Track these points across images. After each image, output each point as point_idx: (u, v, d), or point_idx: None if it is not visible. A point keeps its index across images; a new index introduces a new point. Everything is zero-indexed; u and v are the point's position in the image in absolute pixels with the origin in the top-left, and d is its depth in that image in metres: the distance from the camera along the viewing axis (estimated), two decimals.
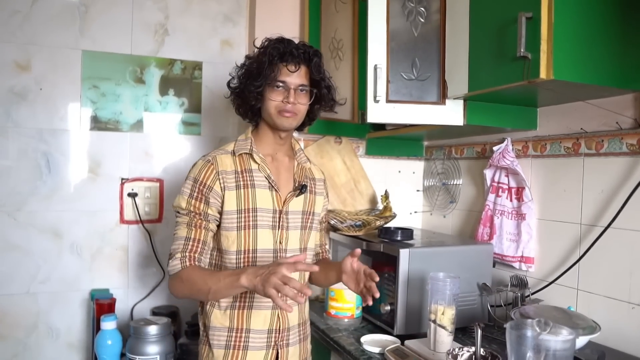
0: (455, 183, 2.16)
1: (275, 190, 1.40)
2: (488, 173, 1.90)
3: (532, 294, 1.68)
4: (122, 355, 1.74)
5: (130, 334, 1.73)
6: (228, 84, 1.45)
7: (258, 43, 1.41)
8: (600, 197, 1.52)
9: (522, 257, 1.75)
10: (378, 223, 1.98)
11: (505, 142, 1.80)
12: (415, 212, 2.39)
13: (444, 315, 1.40)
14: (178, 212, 1.37)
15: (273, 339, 1.39)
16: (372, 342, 1.55)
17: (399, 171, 2.37)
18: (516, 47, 1.25)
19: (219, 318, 1.38)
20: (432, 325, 1.42)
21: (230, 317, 1.37)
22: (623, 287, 1.44)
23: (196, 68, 2.19)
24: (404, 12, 1.66)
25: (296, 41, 1.38)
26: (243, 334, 1.37)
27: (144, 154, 2.11)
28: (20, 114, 1.91)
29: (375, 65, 1.64)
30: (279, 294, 1.08)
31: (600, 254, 1.50)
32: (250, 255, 1.36)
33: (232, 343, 1.36)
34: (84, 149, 2.02)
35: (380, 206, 2.15)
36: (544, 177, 1.73)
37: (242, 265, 1.36)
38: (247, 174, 1.38)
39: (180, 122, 2.17)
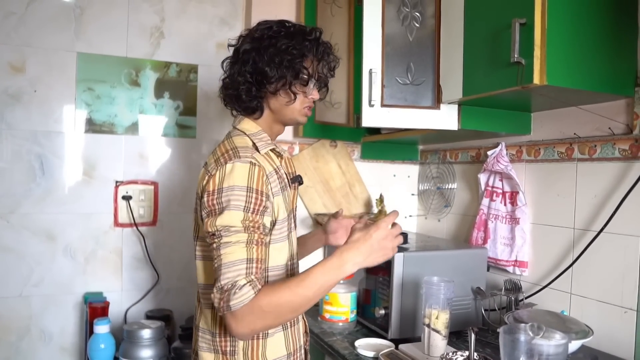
0: (449, 187, 2.17)
1: (290, 186, 1.27)
2: (482, 177, 1.90)
3: (526, 298, 1.69)
4: (116, 359, 1.74)
5: (124, 337, 1.73)
6: (236, 78, 1.21)
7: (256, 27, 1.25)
8: (593, 202, 1.53)
9: (516, 261, 1.76)
10: None
11: (499, 147, 1.81)
12: (410, 216, 2.40)
13: (438, 319, 1.40)
14: (226, 231, 1.06)
15: (304, 346, 1.31)
16: (366, 346, 1.55)
17: (394, 175, 2.37)
18: (510, 52, 1.26)
19: (272, 347, 1.17)
20: (426, 329, 1.42)
21: (286, 339, 1.21)
22: (616, 292, 1.45)
23: (192, 71, 2.19)
24: (399, 17, 1.67)
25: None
26: (298, 354, 1.25)
27: (139, 157, 2.11)
28: (14, 116, 1.91)
29: (371, 70, 1.64)
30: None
31: (594, 259, 1.51)
32: (294, 262, 1.24)
33: None
34: (78, 151, 2.01)
35: (375, 210, 2.16)
36: (537, 182, 1.73)
37: (289, 276, 1.20)
38: (280, 173, 1.21)
39: (176, 124, 2.17)
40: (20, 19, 1.91)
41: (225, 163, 1.10)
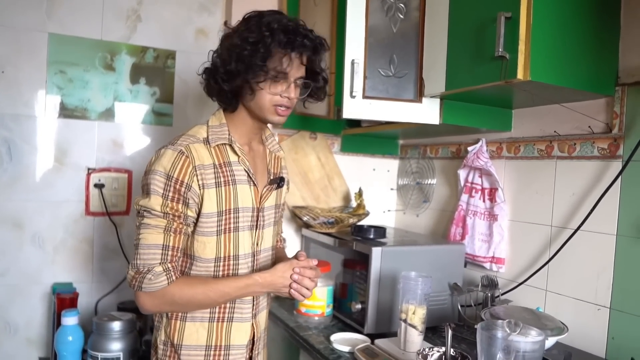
0: (429, 182, 2.17)
1: (255, 185, 1.25)
2: (462, 173, 1.90)
3: (502, 294, 1.69)
4: (84, 351, 1.68)
5: (93, 329, 1.68)
6: (209, 68, 1.22)
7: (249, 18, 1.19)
8: (571, 200, 1.53)
9: (493, 257, 1.76)
10: (351, 221, 1.97)
11: (479, 143, 1.81)
12: (389, 210, 2.39)
13: (415, 314, 1.39)
14: (147, 213, 1.13)
15: (248, 353, 1.28)
16: (342, 340, 1.53)
17: (374, 169, 2.36)
18: (494, 46, 1.25)
19: (193, 334, 1.20)
20: (403, 324, 1.41)
21: (209, 332, 1.21)
22: (590, 289, 1.46)
23: (169, 57, 2.13)
24: (384, 8, 1.64)
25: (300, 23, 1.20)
26: (223, 352, 1.22)
27: (113, 144, 2.04)
28: None
29: (353, 61, 1.61)
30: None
31: (569, 256, 1.52)
32: (231, 262, 1.22)
33: None
34: (49, 136, 1.93)
35: (354, 204, 2.14)
36: (516, 179, 1.74)
37: (220, 274, 1.21)
38: (227, 168, 1.20)
39: (151, 112, 2.11)
40: None
41: (161, 148, 1.17)
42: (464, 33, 1.42)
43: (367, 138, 2.27)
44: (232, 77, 1.16)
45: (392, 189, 2.40)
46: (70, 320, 1.64)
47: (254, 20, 1.16)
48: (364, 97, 1.63)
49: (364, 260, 1.61)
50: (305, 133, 2.18)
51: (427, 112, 1.63)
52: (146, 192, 1.14)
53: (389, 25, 1.64)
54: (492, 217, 1.78)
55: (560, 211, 1.57)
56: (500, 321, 1.11)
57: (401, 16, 1.64)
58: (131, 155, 2.08)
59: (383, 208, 2.37)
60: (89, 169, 2.00)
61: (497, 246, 1.75)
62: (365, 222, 2.04)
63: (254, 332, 1.29)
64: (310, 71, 1.25)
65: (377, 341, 1.50)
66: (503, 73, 1.26)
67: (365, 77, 1.63)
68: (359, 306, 1.62)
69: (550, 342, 1.28)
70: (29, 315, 1.92)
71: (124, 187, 2.06)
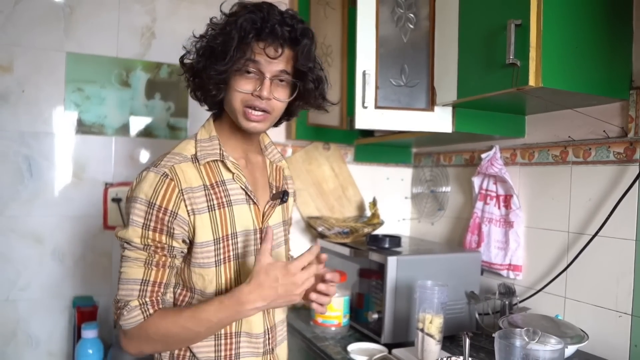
0: (443, 190, 2.16)
1: (254, 202, 1.10)
2: (476, 181, 1.89)
3: (520, 302, 1.68)
4: None
5: (113, 342, 1.69)
6: (182, 59, 1.09)
7: (227, 7, 1.04)
8: (587, 205, 1.52)
9: (510, 265, 1.75)
10: (366, 230, 1.97)
11: (493, 150, 1.80)
12: (404, 219, 2.39)
13: (432, 323, 1.39)
14: (127, 244, 1.01)
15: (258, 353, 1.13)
16: (359, 350, 1.53)
17: (387, 178, 2.36)
18: (505, 54, 1.25)
19: (201, 349, 1.06)
20: (420, 333, 1.40)
21: (217, 348, 1.07)
22: (610, 296, 1.44)
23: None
24: (394, 19, 1.65)
25: (281, 9, 1.03)
26: None
27: (129, 159, 2.08)
28: (1, 117, 1.87)
29: (364, 71, 1.63)
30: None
31: (588, 262, 1.50)
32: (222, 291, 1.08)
33: None
34: (67, 152, 1.98)
35: (368, 213, 2.14)
36: (532, 185, 1.73)
37: None
38: (220, 188, 1.05)
39: (167, 126, 2.14)
40: (8, 17, 1.87)
41: (143, 171, 1.03)
42: (474, 41, 1.43)
43: (380, 147, 2.28)
44: (197, 71, 1.04)
45: (406, 198, 2.40)
46: (90, 333, 1.67)
47: (227, 15, 1.04)
48: (376, 107, 1.64)
49: (380, 270, 1.61)
50: (318, 144, 2.19)
51: (440, 120, 1.63)
52: (125, 221, 1.02)
53: (400, 35, 1.65)
54: (507, 224, 1.77)
55: (577, 217, 1.56)
56: (518, 329, 1.10)
57: (411, 26, 1.65)
58: None
59: (398, 217, 2.37)
60: (106, 184, 2.03)
61: (514, 253, 1.74)
62: (380, 231, 2.04)
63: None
64: (297, 69, 1.07)
65: (394, 351, 1.49)
66: (515, 80, 1.26)
67: (377, 88, 1.64)
68: (375, 316, 1.62)
69: (570, 350, 1.26)
70: (50, 328, 1.95)
71: None
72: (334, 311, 1.71)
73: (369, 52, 1.64)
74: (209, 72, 1.01)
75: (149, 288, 1.00)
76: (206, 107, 1.16)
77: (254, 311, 0.98)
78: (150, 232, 0.99)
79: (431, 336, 1.39)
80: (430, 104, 1.63)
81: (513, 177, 1.77)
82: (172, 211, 0.99)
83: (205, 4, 2.19)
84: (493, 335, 1.10)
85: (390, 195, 2.35)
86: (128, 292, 0.99)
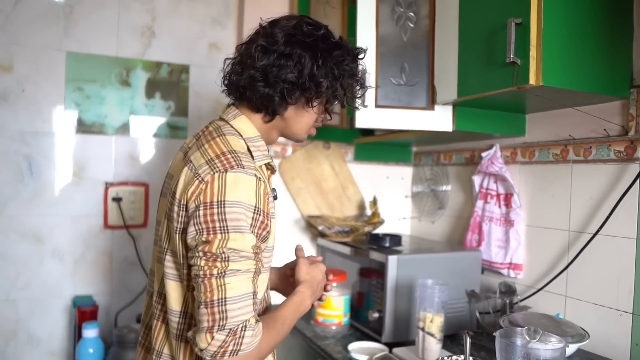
0: (443, 189, 2.16)
1: None
2: (476, 179, 1.89)
3: (521, 301, 1.68)
4: None
5: (113, 342, 1.70)
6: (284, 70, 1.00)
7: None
8: (588, 204, 1.52)
9: (510, 263, 1.75)
10: (366, 229, 1.97)
11: (493, 149, 1.80)
12: (404, 218, 2.38)
13: (433, 322, 1.39)
14: (235, 255, 0.88)
15: None
16: (359, 349, 1.53)
17: (388, 177, 2.36)
18: (505, 52, 1.25)
19: None
20: (421, 333, 1.40)
21: None
22: (611, 294, 1.43)
23: (183, 71, 2.16)
24: (394, 17, 1.65)
25: None
26: None
27: (129, 158, 2.08)
28: (1, 116, 1.87)
29: (364, 70, 1.62)
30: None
31: (589, 261, 1.50)
32: (268, 290, 1.13)
33: None
34: (67, 152, 1.97)
35: (369, 212, 2.14)
36: (532, 184, 1.72)
37: (260, 312, 1.05)
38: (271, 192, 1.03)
39: (167, 125, 2.14)
40: (8, 17, 1.87)
41: (225, 171, 0.90)
42: (474, 40, 1.43)
43: (380, 146, 2.27)
44: (323, 94, 1.04)
45: (406, 197, 2.39)
46: (91, 332, 1.67)
47: (340, 41, 1.09)
48: (377, 106, 1.64)
49: (380, 269, 1.61)
50: (318, 143, 2.19)
51: (440, 119, 1.63)
52: (225, 228, 0.88)
53: (400, 34, 1.65)
54: (508, 222, 1.77)
55: (577, 215, 1.55)
56: (519, 328, 1.10)
57: (411, 25, 1.65)
58: (148, 169, 2.11)
59: (398, 216, 2.37)
60: (106, 183, 2.04)
61: (514, 252, 1.74)
62: (380, 230, 2.04)
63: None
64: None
65: (395, 350, 1.49)
66: (515, 79, 1.26)
67: (377, 86, 1.64)
68: (376, 315, 1.62)
69: (571, 349, 1.26)
70: (50, 328, 1.95)
71: (141, 200, 2.09)
72: (335, 310, 1.71)
73: (369, 51, 1.64)
74: (332, 93, 1.06)
75: (255, 299, 0.93)
76: (263, 115, 1.07)
77: (308, 307, 1.10)
78: (256, 239, 0.93)
79: (432, 335, 1.39)
80: (431, 103, 1.63)
81: (513, 176, 1.77)
82: (270, 216, 0.96)
83: (205, 3, 2.19)
84: (494, 334, 1.10)
85: (390, 194, 2.35)
86: (244, 311, 0.87)
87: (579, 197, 1.55)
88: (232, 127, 1.04)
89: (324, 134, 2.15)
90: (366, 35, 1.64)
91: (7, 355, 1.89)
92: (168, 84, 2.14)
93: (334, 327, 1.71)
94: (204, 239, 0.88)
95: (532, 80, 1.22)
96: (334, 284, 1.72)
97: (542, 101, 1.51)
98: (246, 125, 1.04)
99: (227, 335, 0.85)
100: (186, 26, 2.17)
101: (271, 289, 1.24)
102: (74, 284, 1.99)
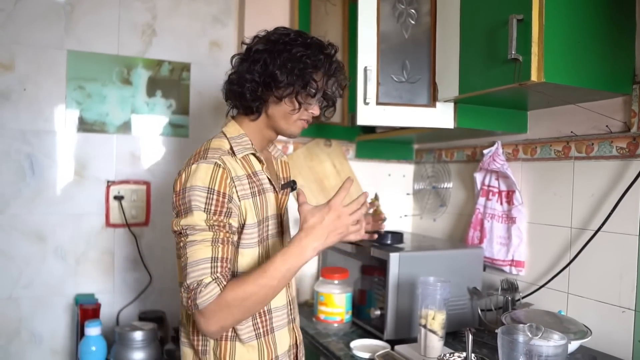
0: (445, 186, 2.16)
1: (276, 191, 1.27)
2: (478, 176, 1.89)
3: (523, 297, 1.67)
4: None
5: (115, 340, 1.70)
6: (249, 68, 1.18)
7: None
8: (590, 201, 1.52)
9: (512, 260, 1.75)
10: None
11: (495, 146, 1.80)
12: (405, 215, 2.38)
13: (435, 320, 1.39)
14: (191, 230, 1.08)
15: (292, 357, 1.29)
16: (361, 347, 1.53)
17: (389, 174, 2.36)
18: (507, 49, 1.25)
19: (243, 353, 1.17)
20: (423, 330, 1.40)
21: (259, 348, 1.19)
22: (613, 291, 1.43)
23: (184, 69, 2.16)
24: (395, 14, 1.65)
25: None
26: None
27: (131, 156, 2.08)
28: (3, 115, 1.87)
29: (365, 67, 1.62)
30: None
31: (591, 258, 1.50)
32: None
33: None
34: (69, 150, 1.98)
35: (370, 210, 2.13)
36: (534, 181, 1.72)
37: None
38: (256, 178, 1.20)
39: (168, 124, 2.14)
40: (9, 15, 1.87)
41: (192, 164, 1.12)
42: (476, 36, 1.42)
43: (381, 144, 2.27)
44: (284, 87, 1.17)
45: (408, 194, 2.39)
46: (93, 330, 1.67)
47: (304, 39, 1.20)
48: (378, 103, 1.64)
49: (382, 266, 1.61)
50: (320, 140, 2.19)
51: (442, 116, 1.62)
52: (185, 210, 1.09)
53: (401, 31, 1.65)
54: (510, 219, 1.76)
55: (579, 212, 1.55)
56: (521, 325, 1.10)
57: (412, 22, 1.64)
58: (149, 167, 2.11)
59: (400, 213, 2.37)
60: (108, 182, 2.04)
61: (516, 249, 1.73)
62: None
63: (295, 336, 1.31)
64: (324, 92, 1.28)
65: (397, 347, 1.49)
66: (517, 75, 1.25)
67: (378, 84, 1.63)
68: (378, 312, 1.62)
69: (573, 346, 1.26)
70: (53, 326, 1.96)
71: (142, 199, 2.09)
72: (336, 307, 1.71)
73: (370, 48, 1.64)
74: (297, 90, 1.17)
75: (219, 264, 1.07)
76: (244, 113, 1.25)
77: (313, 251, 1.10)
78: (212, 215, 1.08)
79: (434, 332, 1.39)
80: (432, 100, 1.63)
81: (515, 173, 1.77)
82: (228, 195, 1.10)
83: (206, 1, 2.19)
84: (496, 331, 1.10)
85: (392, 192, 2.34)
86: (200, 273, 1.05)
87: (581, 194, 1.55)
88: (222, 132, 1.24)
89: (325, 132, 2.15)
90: (367, 33, 1.64)
91: (10, 353, 1.89)
92: (169, 82, 2.14)
93: (335, 325, 1.71)
94: (173, 219, 1.12)
95: (533, 77, 1.22)
96: (336, 282, 1.73)
97: (544, 98, 1.50)
98: (232, 128, 1.24)
99: (187, 292, 1.05)
100: (187, 24, 2.16)
101: None
102: (76, 282, 1.99)
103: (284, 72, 1.15)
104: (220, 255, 1.07)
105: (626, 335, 1.39)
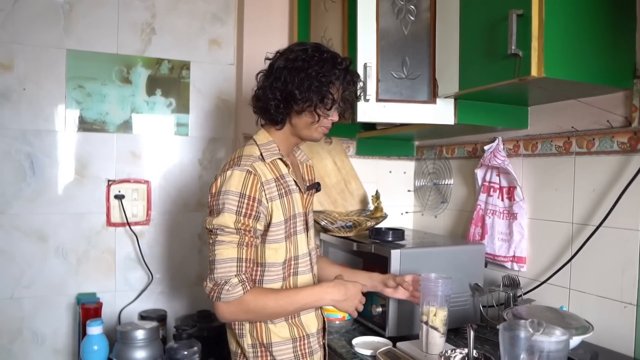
0: (446, 183, 2.15)
1: (301, 192, 1.39)
2: (479, 173, 1.88)
3: (524, 294, 1.67)
4: None
5: (117, 338, 1.70)
6: (270, 83, 1.31)
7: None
8: (591, 196, 1.51)
9: (513, 256, 1.74)
10: (369, 224, 1.97)
11: (496, 142, 1.79)
12: (407, 212, 2.38)
13: (436, 316, 1.38)
14: (221, 230, 1.23)
15: (321, 340, 1.41)
16: (363, 344, 1.53)
17: (390, 171, 2.35)
18: (507, 44, 1.24)
19: (277, 332, 1.31)
20: (424, 326, 1.40)
21: (290, 327, 1.33)
22: (615, 286, 1.43)
23: (184, 68, 2.16)
24: (394, 11, 1.64)
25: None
26: (306, 341, 1.35)
27: (131, 155, 2.08)
28: (3, 115, 1.87)
29: (365, 64, 1.62)
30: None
31: (592, 253, 1.49)
32: (293, 262, 1.34)
33: (300, 352, 1.34)
34: (69, 150, 1.98)
35: (371, 207, 2.13)
36: (535, 176, 1.72)
37: (285, 275, 1.33)
38: (283, 180, 1.33)
39: (168, 122, 2.14)
40: (8, 15, 1.87)
41: (227, 170, 1.26)
42: (475, 32, 1.42)
43: (382, 140, 2.27)
44: (303, 102, 1.29)
45: (409, 191, 2.39)
46: (95, 329, 1.67)
47: (320, 54, 1.30)
48: (378, 100, 1.63)
49: (384, 263, 1.61)
50: None
51: (442, 112, 1.62)
52: (217, 211, 1.23)
53: (400, 27, 1.64)
54: (511, 215, 1.76)
55: (581, 208, 1.55)
56: (523, 321, 1.09)
57: (412, 18, 1.64)
58: (149, 166, 2.11)
59: (401, 210, 2.36)
60: (108, 181, 2.04)
61: (518, 245, 1.73)
62: (383, 224, 2.03)
63: (323, 320, 1.44)
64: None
65: (399, 344, 1.49)
66: (517, 71, 1.25)
67: (378, 80, 1.63)
68: (379, 309, 1.62)
69: (575, 341, 1.26)
70: (55, 325, 1.96)
71: (143, 198, 2.09)
72: None
73: (370, 45, 1.63)
74: (317, 105, 1.29)
75: (244, 264, 1.23)
76: (271, 123, 1.37)
77: (330, 302, 1.32)
78: (242, 218, 1.22)
79: (435, 329, 1.38)
80: (432, 96, 1.62)
81: (516, 169, 1.76)
82: (258, 198, 1.24)
83: None
84: (497, 327, 1.10)
85: (393, 189, 2.34)
86: (226, 270, 1.21)
87: (582, 189, 1.54)
88: (253, 140, 1.37)
89: None
90: (367, 29, 1.63)
91: (12, 353, 1.90)
92: (169, 80, 2.14)
93: (337, 322, 1.71)
94: (206, 218, 1.27)
95: (534, 72, 1.21)
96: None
97: (545, 93, 1.50)
98: (261, 136, 1.37)
99: (213, 285, 1.21)
100: (186, 22, 2.16)
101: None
102: (77, 281, 2.00)
103: (302, 90, 1.27)
104: (244, 257, 1.23)
105: (628, 330, 1.39)
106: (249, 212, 1.23)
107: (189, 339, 1.74)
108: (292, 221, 1.33)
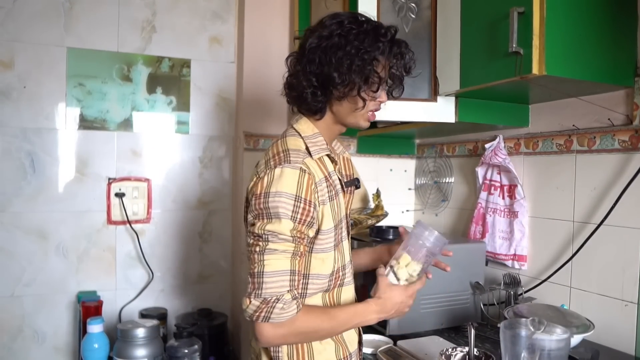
0: (447, 181, 2.15)
1: (344, 191, 1.19)
2: (480, 171, 1.88)
3: (525, 292, 1.67)
4: (110, 358, 1.71)
5: (118, 337, 1.70)
6: (332, 81, 1.07)
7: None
8: (592, 194, 1.51)
9: (514, 255, 1.74)
10: (370, 222, 1.96)
11: (497, 140, 1.79)
12: (407, 210, 2.38)
13: (407, 267, 1.17)
14: (274, 237, 1.02)
15: (359, 355, 1.26)
16: (364, 342, 1.52)
17: (391, 169, 2.35)
18: (508, 42, 1.24)
19: (322, 352, 1.13)
20: (388, 268, 1.19)
21: (336, 346, 1.15)
22: (616, 285, 1.43)
23: (184, 66, 2.16)
24: (395, 8, 1.64)
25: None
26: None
27: (132, 153, 2.08)
28: (3, 113, 1.87)
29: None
30: None
31: (593, 252, 1.49)
32: (340, 273, 1.16)
33: None
34: (70, 148, 1.98)
35: (372, 205, 2.13)
36: (536, 175, 1.71)
37: (330, 287, 1.14)
38: (331, 179, 1.12)
39: (169, 120, 2.14)
40: (8, 13, 1.87)
41: (275, 167, 1.04)
42: (476, 30, 1.41)
43: (383, 139, 2.27)
44: (344, 87, 1.08)
45: (410, 189, 2.39)
46: (95, 328, 1.67)
47: (359, 26, 1.09)
48: None
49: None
50: None
51: (443, 110, 1.62)
52: (269, 215, 1.02)
53: (401, 25, 1.63)
54: (512, 214, 1.76)
55: (582, 206, 1.54)
56: (523, 319, 1.09)
57: (413, 16, 1.63)
58: (150, 164, 2.11)
59: (401, 208, 2.36)
60: (109, 179, 2.04)
61: (519, 243, 1.73)
62: (384, 222, 2.03)
63: (360, 335, 1.28)
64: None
65: (399, 342, 1.49)
66: (518, 69, 1.24)
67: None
68: None
69: (576, 339, 1.26)
70: (55, 323, 1.96)
71: (144, 196, 2.09)
72: None
73: None
74: (361, 87, 1.08)
75: (296, 278, 1.04)
76: (310, 114, 1.17)
77: (376, 320, 1.13)
78: (297, 224, 1.03)
79: (397, 278, 1.17)
80: (433, 94, 1.62)
81: (517, 167, 1.76)
82: (313, 203, 1.04)
83: None
84: (498, 325, 1.10)
85: (393, 187, 2.34)
86: (279, 285, 1.00)
87: (583, 187, 1.54)
88: (294, 129, 1.16)
89: None
90: None
91: (13, 351, 1.90)
92: (169, 78, 2.14)
93: None
94: (252, 222, 1.05)
95: (535, 70, 1.21)
96: None
97: (546, 91, 1.49)
98: (305, 126, 1.16)
99: (261, 303, 0.99)
100: (187, 21, 2.16)
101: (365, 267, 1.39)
102: (78, 279, 2.00)
103: (342, 72, 1.06)
104: (297, 269, 1.04)
105: (629, 328, 1.38)
106: (304, 217, 1.03)
107: (189, 337, 1.75)
108: (339, 226, 1.14)
